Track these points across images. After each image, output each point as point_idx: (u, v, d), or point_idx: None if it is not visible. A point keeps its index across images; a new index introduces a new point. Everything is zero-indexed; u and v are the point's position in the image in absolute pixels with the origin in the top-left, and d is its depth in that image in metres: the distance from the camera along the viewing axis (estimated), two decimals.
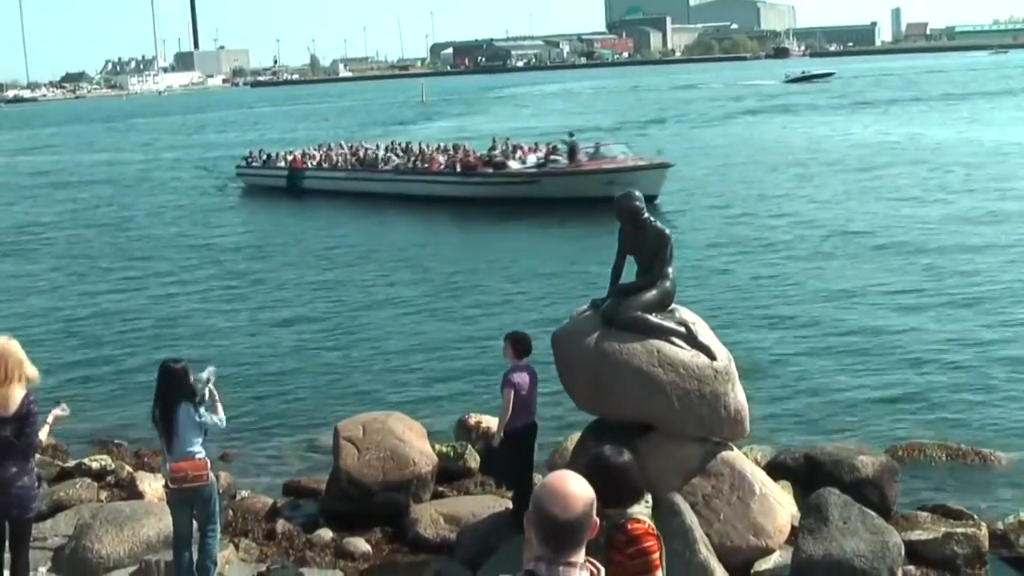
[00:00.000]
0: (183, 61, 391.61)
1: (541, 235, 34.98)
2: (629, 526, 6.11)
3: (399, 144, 51.04)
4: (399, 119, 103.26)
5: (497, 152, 44.63)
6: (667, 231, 10.32)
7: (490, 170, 41.85)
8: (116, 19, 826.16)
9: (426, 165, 44.83)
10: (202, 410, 9.74)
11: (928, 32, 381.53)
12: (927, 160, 49.44)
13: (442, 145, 48.64)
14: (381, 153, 48.57)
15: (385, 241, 34.79)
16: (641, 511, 6.26)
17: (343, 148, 51.47)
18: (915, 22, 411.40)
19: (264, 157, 52.92)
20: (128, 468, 14.60)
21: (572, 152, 40.45)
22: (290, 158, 50.94)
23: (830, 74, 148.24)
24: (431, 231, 37.07)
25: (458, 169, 42.82)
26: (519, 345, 11.06)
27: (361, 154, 49.12)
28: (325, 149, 51.89)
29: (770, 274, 27.01)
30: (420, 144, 49.77)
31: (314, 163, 49.89)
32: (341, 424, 13.30)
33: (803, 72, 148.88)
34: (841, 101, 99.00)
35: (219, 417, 9.89)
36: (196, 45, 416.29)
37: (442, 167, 43.87)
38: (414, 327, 23.37)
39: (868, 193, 39.88)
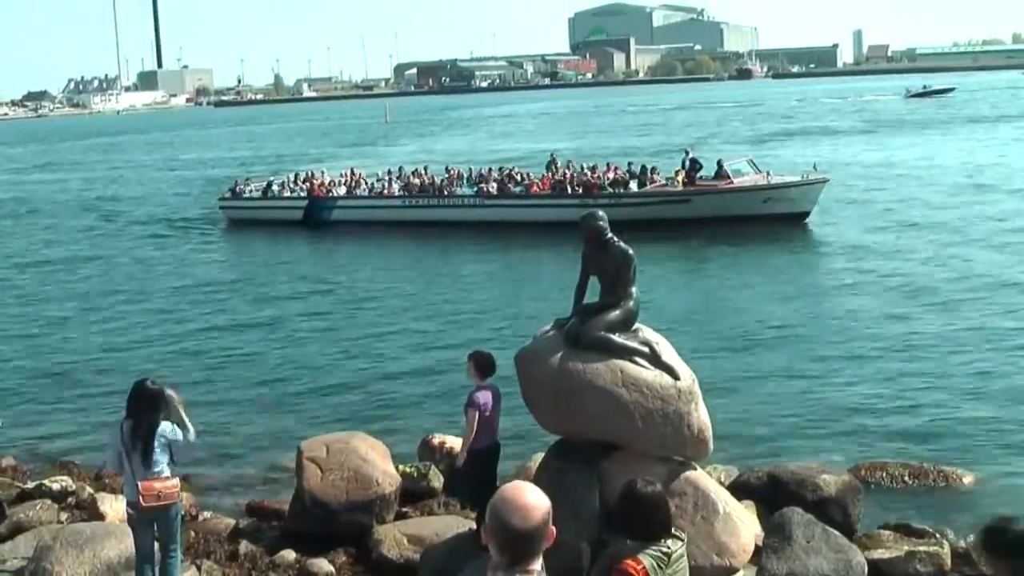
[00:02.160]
0: (146, 80, 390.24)
1: (691, 257, 34.01)
2: (623, 565, 6.02)
3: (393, 171, 46.66)
4: (363, 140, 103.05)
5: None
6: (630, 251, 10.35)
7: (614, 190, 39.22)
8: (79, 37, 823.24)
9: (483, 186, 41.70)
10: (175, 428, 9.80)
11: (889, 54, 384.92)
12: None
13: (473, 169, 45.13)
14: (385, 180, 45.11)
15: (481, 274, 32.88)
16: (655, 551, 6.15)
17: (389, 174, 45.88)
18: (876, 44, 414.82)
19: (265, 185, 47.24)
20: (89, 489, 14.46)
21: (693, 169, 39.16)
22: (304, 184, 45.85)
23: (951, 89, 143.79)
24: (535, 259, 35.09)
25: (573, 191, 39.70)
26: (482, 364, 11.07)
27: (415, 180, 44.06)
28: (349, 175, 46.84)
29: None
30: (449, 167, 46.02)
31: (342, 190, 44.97)
32: (304, 444, 13.23)
33: (924, 87, 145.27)
34: (977, 115, 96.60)
35: (191, 434, 9.93)
36: (160, 64, 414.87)
37: (542, 190, 40.80)
38: (380, 347, 23.36)
39: None
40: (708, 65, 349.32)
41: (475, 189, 41.88)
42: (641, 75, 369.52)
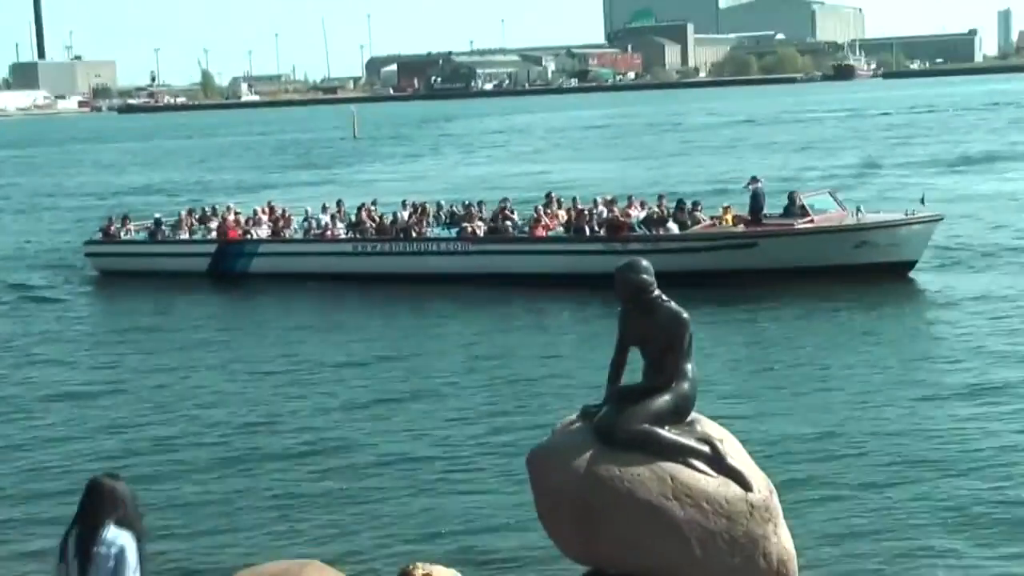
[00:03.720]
0: (23, 75, 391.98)
1: (755, 322, 33.17)
2: None
3: (330, 206, 45.34)
4: (321, 162, 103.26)
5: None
6: (684, 314, 10.42)
7: (651, 231, 38.81)
8: None
9: (467, 226, 41.17)
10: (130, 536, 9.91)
11: None
12: None
13: (464, 203, 44.22)
14: (324, 218, 43.91)
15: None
16: None
17: (328, 210, 44.82)
18: None
19: (152, 225, 45.84)
20: None
21: (757, 203, 38.89)
22: (209, 223, 45.15)
23: None
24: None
25: (593, 232, 39.43)
26: None
27: (367, 218, 43.12)
28: (268, 211, 45.94)
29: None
30: (413, 202, 44.95)
31: (263, 231, 44.25)
32: None
33: None
34: None
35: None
36: (41, 54, 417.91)
37: (549, 231, 40.47)
38: (338, 444, 23.40)
39: None
40: (794, 61, 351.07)
41: (456, 231, 41.76)
42: (702, 74, 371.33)
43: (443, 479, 20.51)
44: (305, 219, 44.29)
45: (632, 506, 10.20)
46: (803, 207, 38.07)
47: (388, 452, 22.54)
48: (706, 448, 10.46)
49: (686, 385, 10.49)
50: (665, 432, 10.40)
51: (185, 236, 44.99)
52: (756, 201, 38.85)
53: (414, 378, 28.57)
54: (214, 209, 46.96)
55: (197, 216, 46.29)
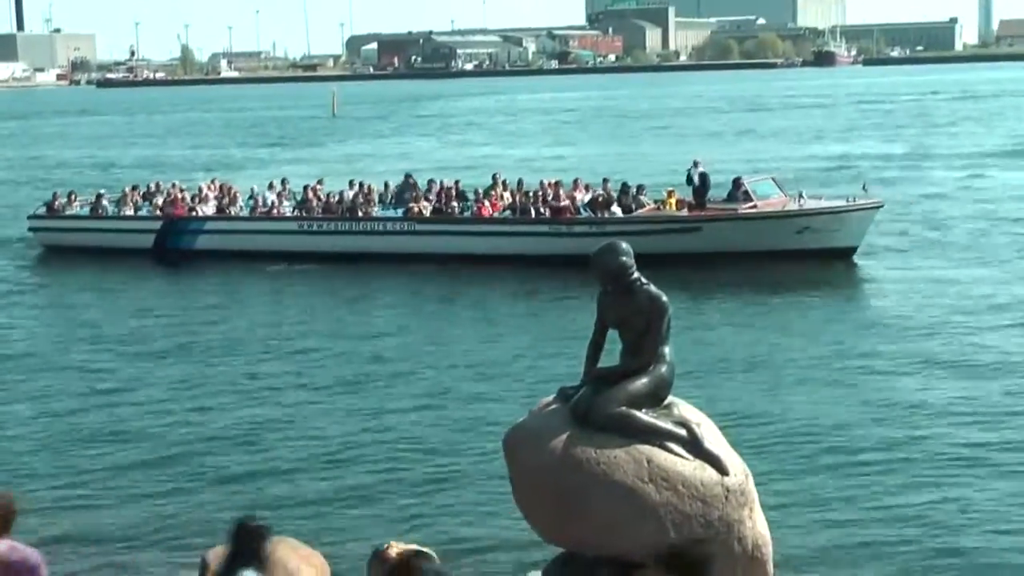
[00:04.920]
0: (1, 47, 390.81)
1: (700, 308, 33.24)
2: None
3: (275, 184, 45.39)
4: (300, 139, 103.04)
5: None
6: (663, 297, 10.40)
7: (596, 214, 39.40)
8: None
9: (413, 207, 41.53)
10: None
11: None
12: None
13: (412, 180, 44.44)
14: (271, 196, 43.85)
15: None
16: None
17: (274, 188, 44.72)
18: (1011, 19, 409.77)
19: (94, 200, 45.81)
20: None
21: (702, 187, 39.68)
22: (154, 199, 44.85)
23: None
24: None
25: (538, 214, 40.06)
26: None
27: (314, 196, 43.31)
28: (216, 188, 45.85)
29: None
30: (361, 182, 44.85)
31: (209, 207, 44.02)
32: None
33: None
34: None
35: None
36: (20, 26, 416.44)
37: (493, 212, 41.00)
38: (306, 418, 23.40)
39: None
40: (775, 46, 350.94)
41: (402, 211, 41.91)
42: (683, 58, 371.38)
43: (416, 461, 20.53)
44: (251, 197, 44.45)
45: (608, 488, 10.17)
46: (746, 192, 38.99)
47: (358, 435, 22.53)
48: (683, 431, 10.43)
49: (664, 368, 10.47)
50: (642, 415, 10.37)
51: (129, 212, 44.79)
52: (703, 184, 39.68)
53: (361, 358, 28.48)
54: (158, 185, 46.89)
55: (141, 193, 46.05)
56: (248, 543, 9.87)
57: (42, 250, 45.36)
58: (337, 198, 43.08)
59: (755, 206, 38.63)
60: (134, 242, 43.56)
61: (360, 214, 41.96)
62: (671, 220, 38.88)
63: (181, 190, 46.12)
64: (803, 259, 37.09)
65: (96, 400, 25.42)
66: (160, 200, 44.82)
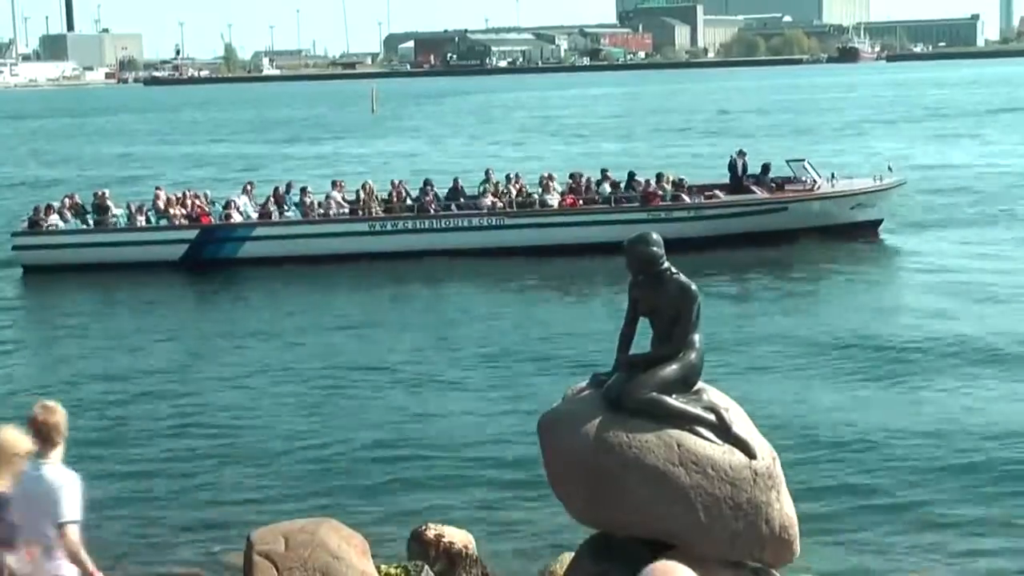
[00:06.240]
0: (52, 46, 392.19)
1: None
2: None
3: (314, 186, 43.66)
4: (340, 136, 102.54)
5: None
6: (693, 286, 10.40)
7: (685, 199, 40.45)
8: None
9: (493, 201, 40.76)
10: None
11: None
12: None
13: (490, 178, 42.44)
14: (336, 195, 40.93)
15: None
16: None
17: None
18: None
19: (97, 199, 40.92)
20: None
21: (743, 174, 42.42)
22: (179, 210, 39.98)
23: None
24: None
25: (617, 203, 40.41)
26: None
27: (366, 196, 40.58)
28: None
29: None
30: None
31: (245, 210, 39.98)
32: (256, 534, 13.26)
33: None
34: None
35: None
36: (70, 26, 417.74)
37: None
38: (355, 410, 23.39)
39: None
40: (801, 42, 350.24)
41: (485, 206, 40.56)
42: (711, 55, 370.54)
43: (454, 445, 20.54)
44: (299, 199, 40.96)
45: (639, 471, 10.19)
46: (807, 174, 42.28)
47: (401, 420, 22.53)
48: (712, 416, 10.45)
49: (693, 355, 10.48)
50: (672, 400, 10.39)
51: (142, 222, 40.25)
52: (744, 171, 42.46)
53: (380, 349, 28.33)
54: (184, 194, 41.91)
55: (164, 199, 40.76)
56: None
57: (26, 266, 39.81)
58: (402, 195, 41.10)
59: (819, 186, 41.78)
60: (161, 254, 39.36)
61: (431, 211, 40.15)
62: (763, 202, 41.30)
63: (203, 197, 41.70)
64: (849, 231, 40.98)
65: (158, 389, 25.50)
66: (176, 211, 40.13)
